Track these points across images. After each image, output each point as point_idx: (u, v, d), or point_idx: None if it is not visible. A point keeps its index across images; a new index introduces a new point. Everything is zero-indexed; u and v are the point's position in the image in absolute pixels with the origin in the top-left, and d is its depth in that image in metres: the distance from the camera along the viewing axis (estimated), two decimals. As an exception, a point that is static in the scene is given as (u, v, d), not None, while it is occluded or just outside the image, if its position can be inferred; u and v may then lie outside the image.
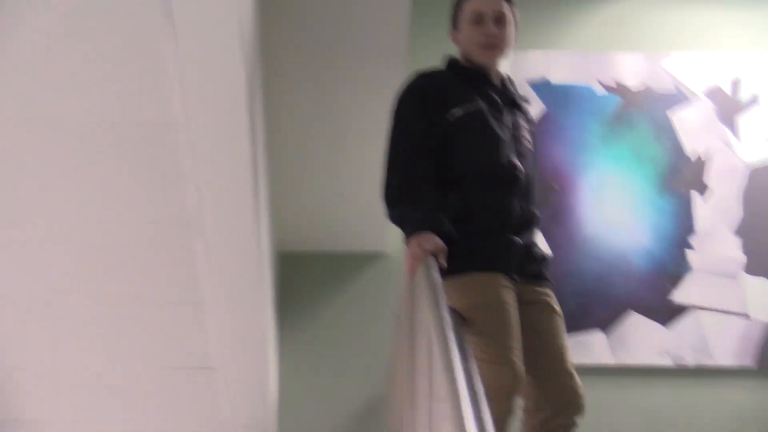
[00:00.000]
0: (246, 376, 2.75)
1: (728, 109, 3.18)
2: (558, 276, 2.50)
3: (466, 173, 2.28)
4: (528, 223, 2.33)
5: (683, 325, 3.07)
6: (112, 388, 3.16)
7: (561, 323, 2.30)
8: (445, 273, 2.07)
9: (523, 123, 2.39)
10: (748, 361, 3.01)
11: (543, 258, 2.34)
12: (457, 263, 2.14)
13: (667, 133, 3.16)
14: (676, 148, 3.15)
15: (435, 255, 2.07)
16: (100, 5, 1.95)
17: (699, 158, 3.16)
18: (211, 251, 2.38)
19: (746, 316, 3.03)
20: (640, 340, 3.02)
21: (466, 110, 2.29)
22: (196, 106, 2.15)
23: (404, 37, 2.65)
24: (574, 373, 2.19)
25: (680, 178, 3.18)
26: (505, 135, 2.32)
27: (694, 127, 3.17)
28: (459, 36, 2.37)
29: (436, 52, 2.38)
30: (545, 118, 3.16)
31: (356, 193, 2.93)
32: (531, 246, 2.31)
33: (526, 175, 2.32)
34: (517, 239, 2.23)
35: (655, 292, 3.10)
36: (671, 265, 3.12)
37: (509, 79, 2.39)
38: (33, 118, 2.15)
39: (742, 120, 3.15)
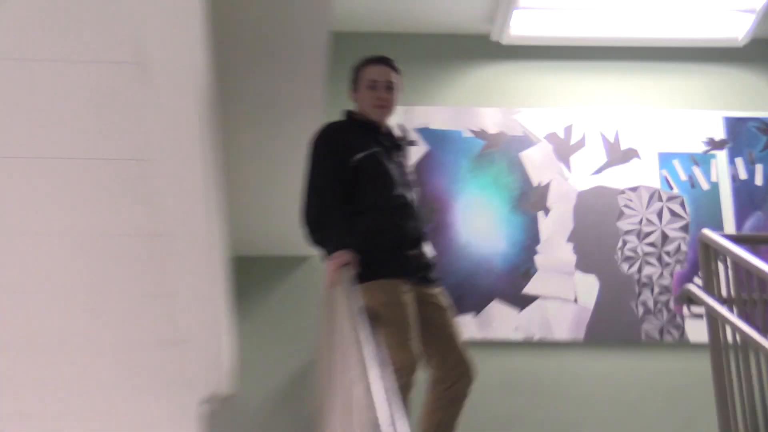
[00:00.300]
0: (209, 347, 3.47)
1: (562, 149, 4.08)
2: (441, 273, 3.05)
3: (370, 203, 2.69)
4: (419, 239, 2.77)
5: (532, 309, 3.91)
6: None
7: (450, 314, 2.75)
8: (359, 280, 2.50)
9: (406, 162, 2.86)
10: (578, 336, 3.90)
11: (432, 264, 2.79)
12: (367, 272, 2.56)
13: (518, 167, 4.01)
14: (525, 179, 4.00)
15: (350, 265, 2.50)
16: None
17: (541, 185, 4.01)
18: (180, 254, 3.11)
19: (576, 302, 3.95)
20: (500, 320, 3.81)
21: (365, 154, 2.71)
22: (164, 143, 2.61)
23: (321, 99, 3.22)
24: (465, 352, 2.66)
25: (528, 200, 4.01)
26: (395, 172, 2.75)
27: (537, 163, 4.03)
28: (357, 96, 2.82)
29: (344, 107, 2.92)
30: (427, 156, 3.99)
31: (286, 209, 3.73)
32: (422, 256, 2.74)
33: (413, 201, 2.77)
34: (412, 252, 2.68)
35: (511, 285, 3.92)
36: (523, 265, 3.95)
37: (399, 127, 2.95)
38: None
39: (573, 157, 4.11)
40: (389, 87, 2.78)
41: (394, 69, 2.81)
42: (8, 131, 2.53)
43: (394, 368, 2.46)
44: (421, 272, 2.73)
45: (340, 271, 2.52)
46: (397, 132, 2.90)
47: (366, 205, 2.70)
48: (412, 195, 2.80)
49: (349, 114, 2.83)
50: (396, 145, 2.86)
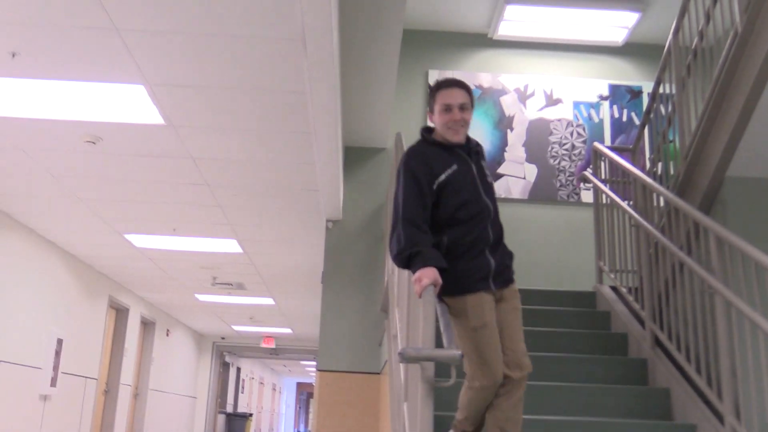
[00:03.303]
0: (331, 193, 5.78)
1: (522, 96, 7.19)
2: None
3: (452, 218, 2.71)
4: (499, 241, 2.79)
5: (501, 181, 7.12)
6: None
7: (517, 314, 2.76)
8: (446, 293, 2.64)
9: (484, 165, 2.84)
10: (524, 197, 7.14)
11: (510, 263, 2.80)
12: (453, 286, 2.65)
13: (498, 105, 6.97)
14: (501, 112, 6.85)
15: (435, 283, 2.54)
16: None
17: (509, 116, 7.06)
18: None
19: (524, 178, 7.16)
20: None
21: (447, 175, 2.71)
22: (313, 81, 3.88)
23: (395, 54, 5.83)
24: (523, 355, 2.71)
25: (502, 123, 6.90)
26: (475, 183, 2.75)
27: (508, 104, 7.01)
28: (433, 118, 2.83)
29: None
30: None
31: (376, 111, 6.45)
32: (502, 258, 2.77)
33: (491, 207, 2.77)
34: (493, 258, 2.71)
35: (492, 169, 7.12)
36: (498, 157, 7.05)
37: (468, 138, 2.81)
38: None
39: (528, 101, 7.27)
40: (462, 107, 2.77)
41: (466, 90, 2.81)
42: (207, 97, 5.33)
43: (476, 385, 2.59)
44: (501, 276, 2.76)
45: (427, 288, 2.53)
46: (472, 141, 2.87)
47: (448, 221, 2.70)
48: (490, 200, 2.78)
49: (427, 132, 2.85)
50: (474, 153, 2.85)
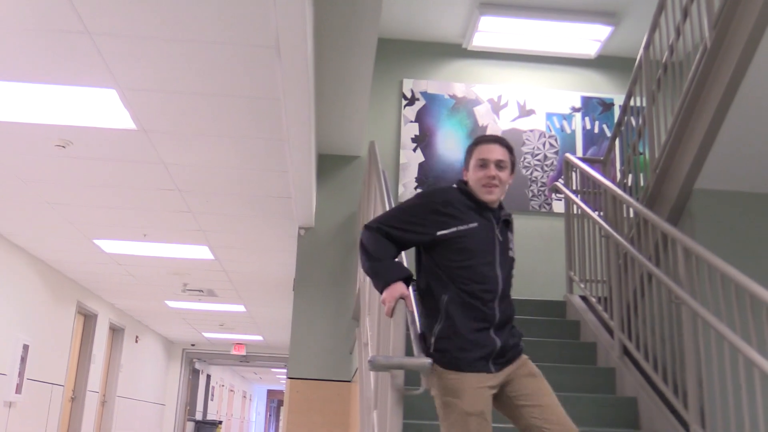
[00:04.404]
0: (304, 200, 6.11)
1: (495, 107, 7.20)
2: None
3: (459, 278, 2.50)
4: (508, 320, 2.55)
5: None
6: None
7: (541, 381, 2.49)
8: (439, 363, 2.43)
9: (510, 237, 2.62)
10: None
11: (518, 342, 2.55)
12: (448, 358, 2.43)
13: (471, 115, 7.04)
14: (474, 122, 6.99)
15: (405, 298, 2.47)
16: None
17: (483, 126, 7.13)
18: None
19: None
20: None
21: (465, 228, 2.50)
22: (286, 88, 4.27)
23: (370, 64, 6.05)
24: (566, 419, 2.42)
25: (475, 133, 7.09)
26: (494, 250, 2.52)
27: (482, 113, 7.10)
28: (467, 175, 2.63)
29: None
30: (425, 107, 7.02)
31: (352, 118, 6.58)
32: (508, 338, 2.51)
33: (505, 281, 2.54)
34: (499, 339, 2.47)
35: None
36: None
37: (501, 206, 2.61)
38: None
39: (501, 112, 7.34)
40: (499, 165, 2.59)
41: (506, 147, 2.64)
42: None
43: None
44: (504, 357, 2.52)
45: (396, 303, 2.47)
46: (504, 210, 2.68)
47: (452, 279, 2.51)
48: (503, 274, 2.55)
49: (461, 185, 2.66)
50: (503, 220, 2.64)
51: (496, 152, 2.61)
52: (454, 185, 2.66)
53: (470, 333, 2.45)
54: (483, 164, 2.59)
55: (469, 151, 2.68)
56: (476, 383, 2.42)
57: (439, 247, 2.55)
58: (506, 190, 2.65)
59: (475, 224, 2.53)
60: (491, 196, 2.58)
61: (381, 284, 2.50)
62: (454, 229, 2.51)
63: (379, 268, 2.52)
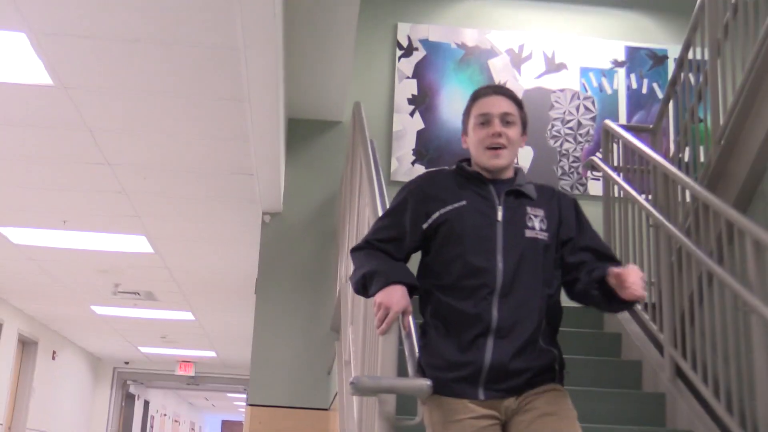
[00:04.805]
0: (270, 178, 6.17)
1: (516, 60, 7.16)
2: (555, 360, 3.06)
3: (446, 275, 2.51)
4: (517, 328, 2.40)
5: None
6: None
7: (557, 423, 2.33)
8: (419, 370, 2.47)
9: (534, 215, 2.52)
10: None
11: (536, 365, 2.39)
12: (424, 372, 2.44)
13: (485, 71, 7.02)
14: (489, 79, 6.96)
15: (404, 313, 2.45)
16: None
17: (500, 84, 7.32)
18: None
19: (517, 163, 7.28)
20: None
21: (446, 211, 2.49)
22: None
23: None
24: None
25: None
26: (494, 233, 2.45)
27: (499, 68, 7.05)
28: (467, 140, 2.60)
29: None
30: (425, 58, 6.99)
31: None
32: (517, 357, 2.37)
33: (514, 271, 2.42)
34: (493, 355, 2.36)
35: None
36: None
37: (517, 172, 2.59)
38: None
39: (523, 66, 7.26)
40: (505, 120, 2.53)
41: (513, 99, 2.60)
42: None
43: None
44: (505, 383, 2.38)
45: (394, 317, 2.42)
46: (522, 180, 2.61)
47: (438, 278, 2.48)
48: (513, 261, 2.44)
49: (460, 165, 2.63)
50: (519, 194, 2.57)
51: (501, 104, 2.57)
52: (454, 167, 2.68)
53: (445, 344, 2.42)
54: (485, 121, 2.56)
55: (467, 110, 2.64)
56: (460, 413, 2.38)
57: (428, 242, 2.58)
58: (517, 154, 2.63)
59: (463, 202, 2.51)
60: (498, 160, 2.53)
61: (379, 284, 2.44)
62: (436, 215, 2.52)
63: (378, 268, 2.49)
